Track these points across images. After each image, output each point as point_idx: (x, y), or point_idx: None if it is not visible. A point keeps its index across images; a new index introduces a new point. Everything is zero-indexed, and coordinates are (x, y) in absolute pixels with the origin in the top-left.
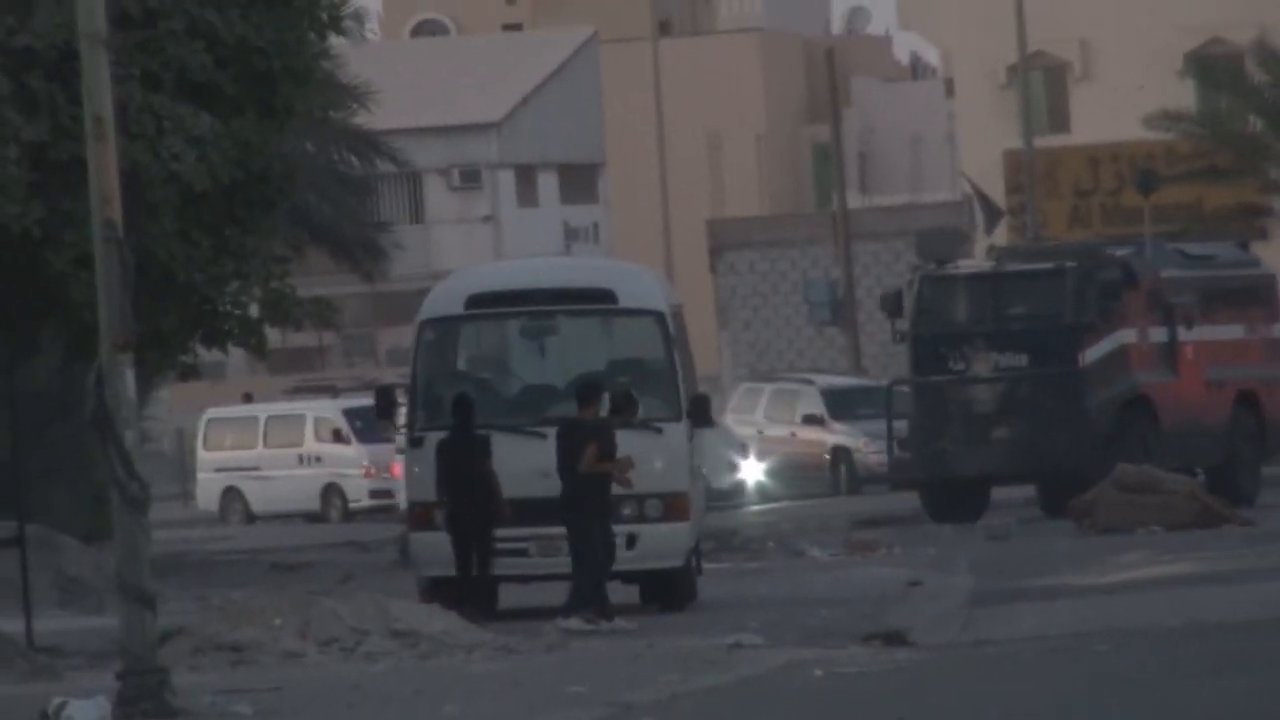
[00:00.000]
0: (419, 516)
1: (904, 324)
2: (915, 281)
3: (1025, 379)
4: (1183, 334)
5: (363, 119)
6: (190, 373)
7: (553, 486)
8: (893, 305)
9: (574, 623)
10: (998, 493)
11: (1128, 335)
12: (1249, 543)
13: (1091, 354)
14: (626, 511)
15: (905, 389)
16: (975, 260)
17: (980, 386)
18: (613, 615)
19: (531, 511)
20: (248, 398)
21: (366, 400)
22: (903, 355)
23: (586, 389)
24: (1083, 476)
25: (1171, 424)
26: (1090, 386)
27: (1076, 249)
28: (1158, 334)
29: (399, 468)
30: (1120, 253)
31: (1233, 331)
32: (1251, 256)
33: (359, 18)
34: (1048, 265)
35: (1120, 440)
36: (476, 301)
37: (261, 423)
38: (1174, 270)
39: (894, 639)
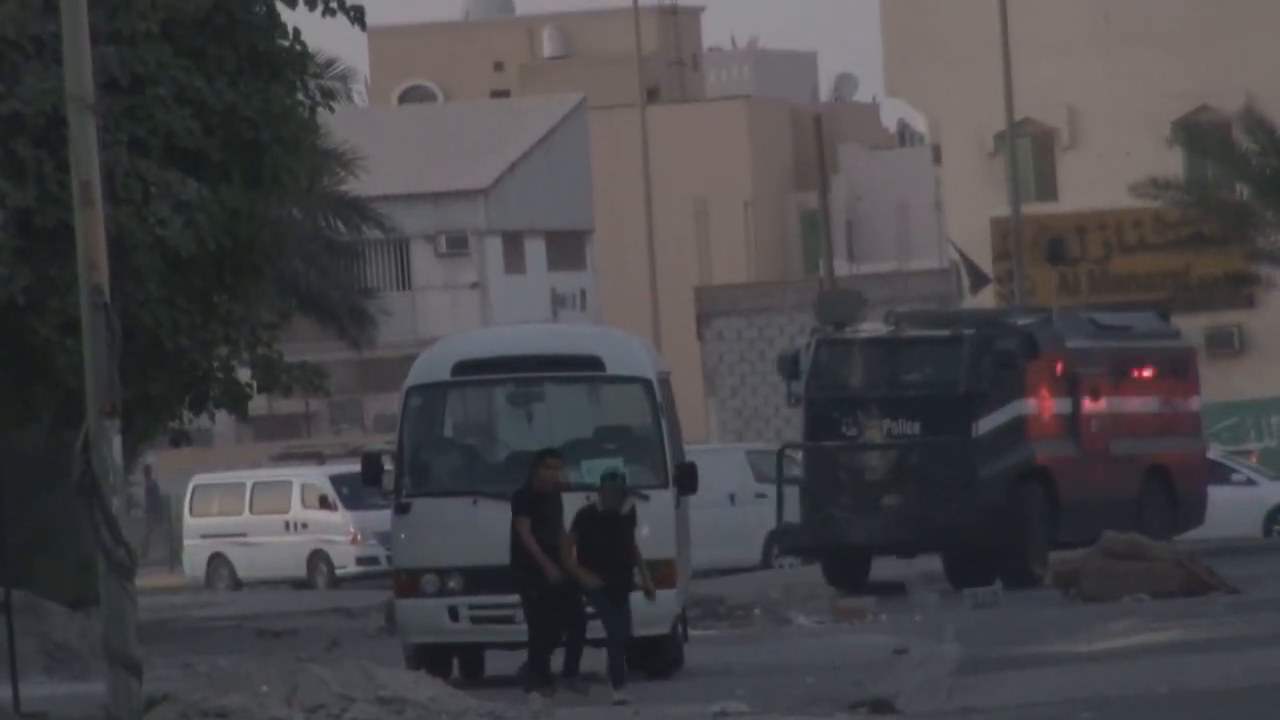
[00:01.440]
0: (405, 583)
1: (799, 387)
2: (812, 344)
3: (916, 446)
4: (1089, 405)
5: (350, 185)
6: (182, 438)
7: None
8: (789, 368)
9: (622, 694)
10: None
11: (1026, 405)
12: (1236, 610)
13: (986, 424)
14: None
15: (796, 454)
16: (873, 325)
17: (871, 453)
18: (538, 686)
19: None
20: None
21: (353, 467)
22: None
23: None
24: (972, 547)
25: (1072, 496)
26: (983, 456)
27: (979, 317)
28: (1061, 405)
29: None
30: (1024, 322)
31: (1145, 404)
32: (1171, 328)
33: (345, 78)
34: (944, 332)
35: (1016, 511)
36: (464, 368)
37: (248, 489)
38: (1082, 340)
39: (881, 707)
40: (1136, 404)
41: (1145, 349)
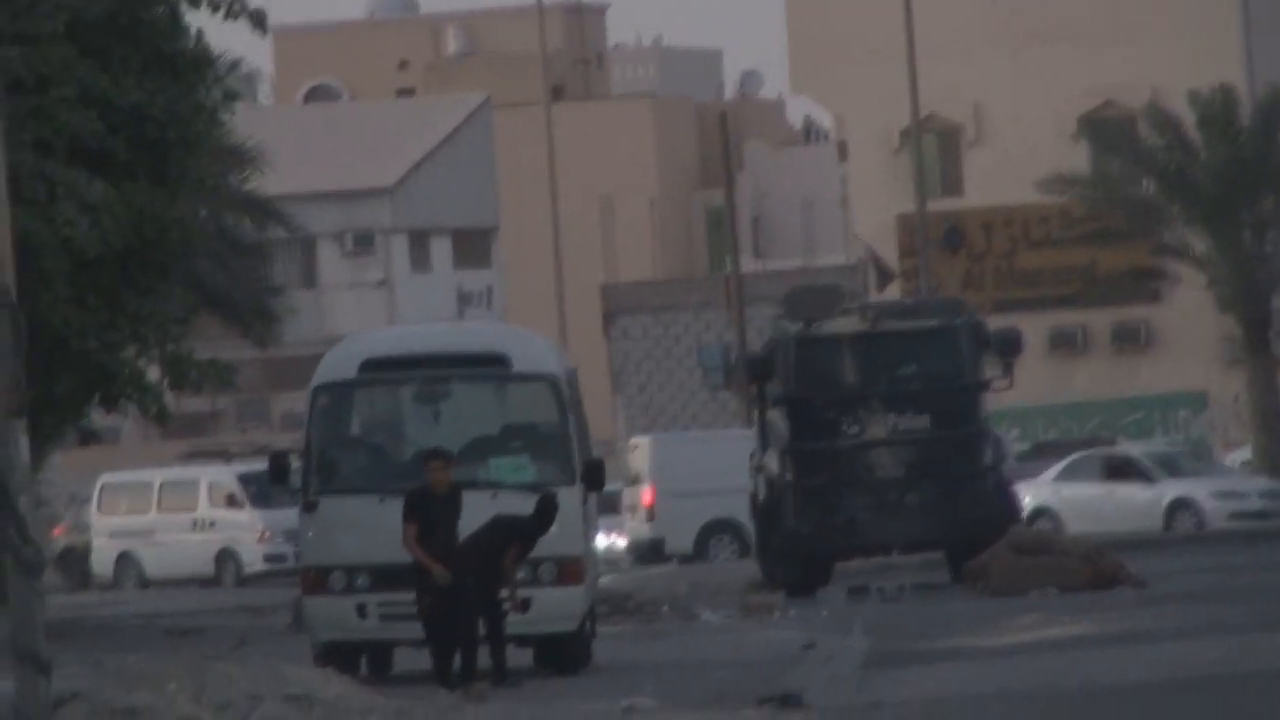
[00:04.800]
0: (313, 581)
1: (776, 388)
2: (789, 342)
3: (934, 441)
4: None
5: (256, 184)
6: (91, 438)
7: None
8: (761, 368)
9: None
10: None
11: (988, 394)
12: (1143, 604)
13: (982, 412)
14: (521, 575)
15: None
16: (845, 319)
17: (882, 450)
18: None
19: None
20: None
21: (260, 465)
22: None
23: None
24: (993, 538)
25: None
26: (989, 445)
27: (941, 305)
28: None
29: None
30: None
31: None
32: None
33: (251, 80)
34: (935, 323)
35: (1011, 497)
36: (370, 366)
37: (155, 488)
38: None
39: (789, 702)
40: None
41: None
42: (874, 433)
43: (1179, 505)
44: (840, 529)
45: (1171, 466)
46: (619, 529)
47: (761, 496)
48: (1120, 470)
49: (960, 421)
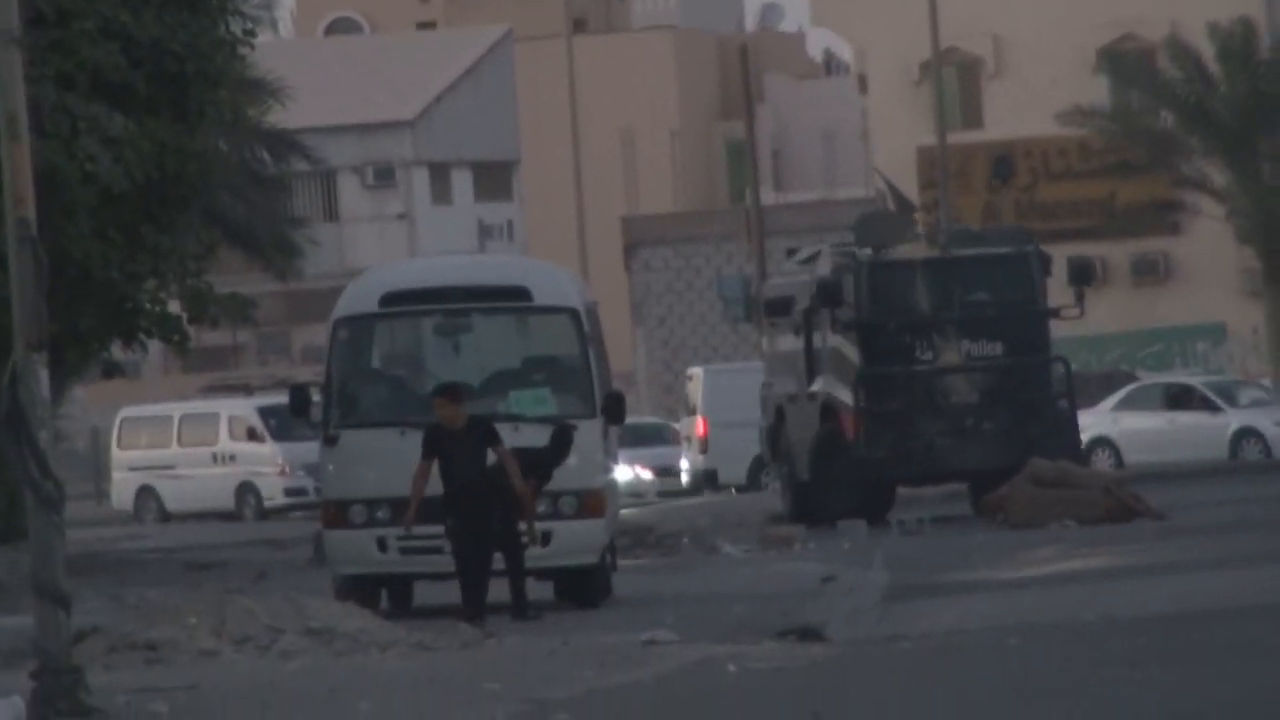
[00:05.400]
0: (333, 514)
1: (847, 313)
2: (862, 267)
3: (1006, 368)
4: None
5: (276, 116)
6: (115, 371)
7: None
8: (832, 294)
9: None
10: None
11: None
12: (1162, 536)
13: (1051, 341)
14: (541, 508)
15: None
16: (916, 245)
17: (955, 376)
18: (472, 619)
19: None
20: None
21: (281, 399)
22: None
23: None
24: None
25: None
26: (1059, 372)
27: (1008, 232)
28: None
29: None
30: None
31: None
32: None
33: (269, 6)
34: (1008, 250)
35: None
36: (391, 299)
37: (176, 421)
38: None
39: (809, 634)
40: None
41: None
42: (947, 359)
43: (1245, 434)
44: (916, 454)
45: (1229, 396)
46: (643, 460)
47: (816, 425)
48: (1181, 400)
49: (1031, 349)
